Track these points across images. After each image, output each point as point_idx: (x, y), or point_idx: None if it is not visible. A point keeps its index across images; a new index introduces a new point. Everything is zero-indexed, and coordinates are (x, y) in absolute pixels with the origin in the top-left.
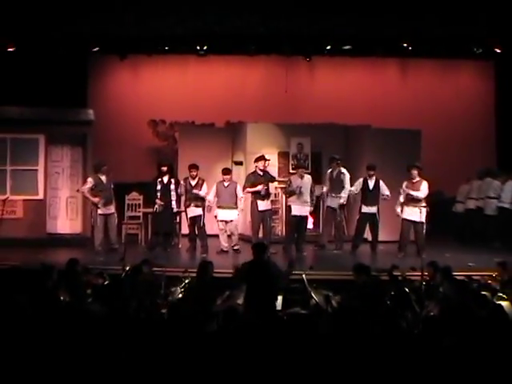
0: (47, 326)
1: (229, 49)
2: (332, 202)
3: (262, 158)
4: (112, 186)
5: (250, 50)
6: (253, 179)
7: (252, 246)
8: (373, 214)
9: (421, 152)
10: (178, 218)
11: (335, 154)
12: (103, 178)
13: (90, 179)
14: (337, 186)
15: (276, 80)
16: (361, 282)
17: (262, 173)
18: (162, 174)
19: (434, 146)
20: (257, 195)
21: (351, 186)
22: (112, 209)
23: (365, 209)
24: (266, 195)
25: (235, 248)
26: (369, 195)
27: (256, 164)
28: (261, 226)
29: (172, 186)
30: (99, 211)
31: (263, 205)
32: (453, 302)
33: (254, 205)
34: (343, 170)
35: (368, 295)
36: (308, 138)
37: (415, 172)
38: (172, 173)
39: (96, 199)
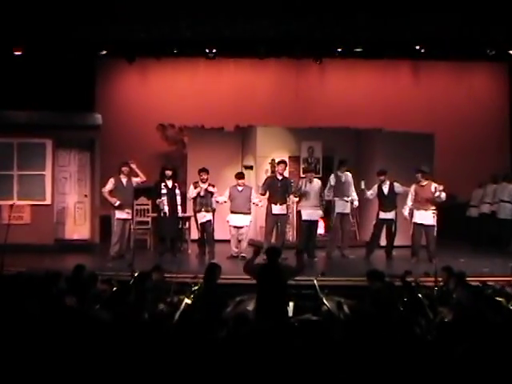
0: (54, 332)
1: (238, 52)
2: (343, 208)
3: (281, 162)
4: (143, 178)
5: (260, 53)
6: (269, 182)
7: (265, 251)
8: (390, 220)
9: (434, 156)
10: (186, 224)
11: (343, 158)
12: (124, 180)
13: (111, 179)
14: (348, 190)
15: (286, 83)
16: (374, 288)
17: (280, 177)
18: (166, 178)
19: (448, 150)
20: (271, 198)
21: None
22: (130, 214)
23: (382, 215)
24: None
25: (242, 255)
26: (385, 201)
27: (277, 168)
28: (274, 231)
29: (177, 191)
30: (116, 215)
31: (277, 209)
32: (467, 308)
33: (268, 208)
34: (348, 173)
35: (381, 301)
36: (319, 141)
37: (419, 175)
38: (176, 177)
39: (113, 199)
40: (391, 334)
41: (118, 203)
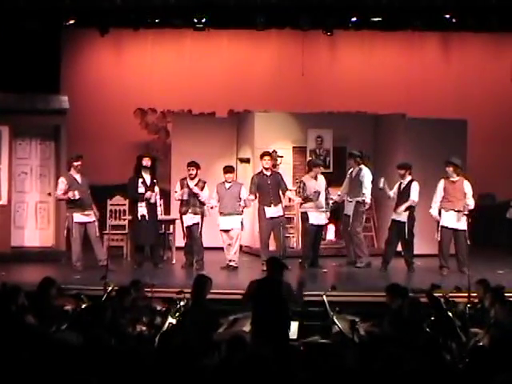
0: (12, 358)
1: (233, 22)
2: (349, 209)
3: (265, 153)
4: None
5: (259, 22)
6: (257, 181)
7: (266, 261)
8: (400, 223)
9: (467, 146)
10: (170, 228)
11: (354, 150)
12: (77, 176)
13: (62, 179)
14: (355, 188)
15: (290, 60)
16: (395, 306)
17: (269, 173)
18: (143, 170)
19: (483, 139)
20: (262, 199)
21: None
22: (91, 216)
23: (393, 215)
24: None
25: (231, 264)
26: (398, 199)
27: (261, 161)
28: (271, 237)
29: (156, 188)
30: (75, 218)
31: (272, 211)
32: (506, 330)
33: (261, 211)
34: (364, 168)
35: (403, 321)
36: (329, 129)
37: (450, 169)
38: (155, 170)
39: (71, 193)
40: (415, 360)
41: (77, 195)
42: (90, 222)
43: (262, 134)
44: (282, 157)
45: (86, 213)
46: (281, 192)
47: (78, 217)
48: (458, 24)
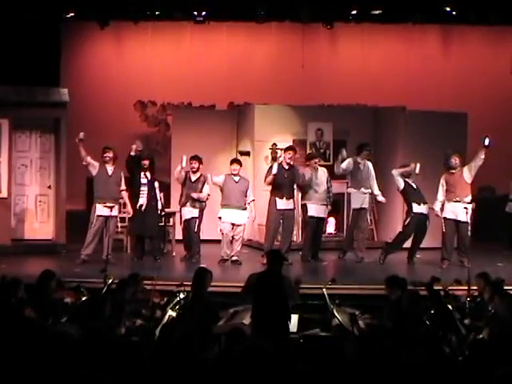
0: (11, 352)
1: (233, 15)
2: (358, 202)
3: (290, 148)
4: (123, 187)
5: (259, 15)
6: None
7: (266, 254)
8: (425, 215)
9: (467, 139)
10: (170, 221)
11: (366, 141)
12: (109, 168)
13: (97, 163)
14: (366, 181)
15: (290, 53)
16: (394, 297)
17: (287, 167)
18: (143, 169)
19: (483, 132)
20: (276, 191)
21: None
22: (114, 210)
23: (417, 208)
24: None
25: (234, 259)
26: (417, 191)
27: (284, 155)
28: (278, 230)
29: (156, 183)
30: (98, 211)
31: (283, 203)
32: (506, 323)
33: (271, 202)
34: (368, 161)
35: (403, 314)
36: (329, 122)
37: (456, 161)
38: (153, 167)
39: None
40: (415, 353)
41: (81, 136)
42: (111, 217)
43: (262, 127)
44: (282, 149)
45: (108, 204)
46: (296, 185)
47: (100, 209)
48: (458, 17)
